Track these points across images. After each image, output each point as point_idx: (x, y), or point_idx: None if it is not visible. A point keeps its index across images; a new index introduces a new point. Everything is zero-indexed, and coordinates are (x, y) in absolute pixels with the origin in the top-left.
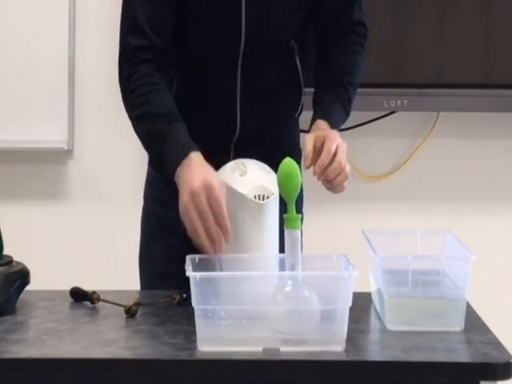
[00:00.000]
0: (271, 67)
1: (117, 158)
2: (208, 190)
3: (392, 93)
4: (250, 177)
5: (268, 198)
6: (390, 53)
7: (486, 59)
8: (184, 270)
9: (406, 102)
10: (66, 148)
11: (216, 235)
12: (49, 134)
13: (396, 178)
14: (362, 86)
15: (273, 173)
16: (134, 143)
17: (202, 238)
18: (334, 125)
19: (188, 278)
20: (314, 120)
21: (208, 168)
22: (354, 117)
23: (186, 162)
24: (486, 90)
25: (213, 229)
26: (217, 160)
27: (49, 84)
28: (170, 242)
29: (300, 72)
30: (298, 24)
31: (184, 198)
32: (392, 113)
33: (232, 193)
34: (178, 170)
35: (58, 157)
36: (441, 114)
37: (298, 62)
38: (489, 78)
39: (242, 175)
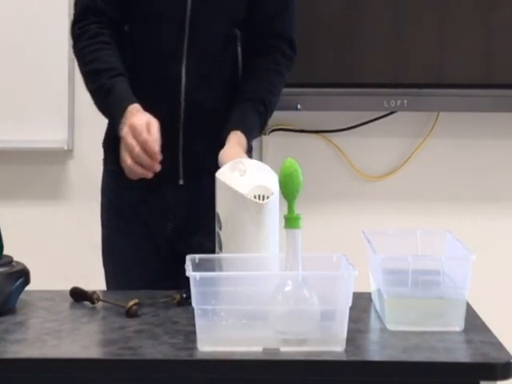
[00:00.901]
0: (214, 45)
1: None
2: (132, 128)
3: (392, 93)
4: (249, 177)
5: (268, 197)
6: (390, 53)
7: (486, 59)
8: (147, 258)
9: (405, 102)
10: (65, 148)
11: (143, 159)
12: (49, 134)
13: (396, 178)
14: (362, 86)
15: (273, 173)
16: None
17: (130, 165)
18: (249, 136)
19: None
20: (228, 130)
21: (137, 113)
22: (354, 117)
23: (124, 118)
24: (486, 90)
25: (140, 157)
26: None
27: (49, 84)
28: (128, 231)
29: (239, 59)
30: (240, 16)
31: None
32: (392, 113)
33: (232, 193)
34: (121, 126)
35: (58, 157)
36: (441, 114)
37: (239, 49)
38: (489, 78)
39: (241, 175)
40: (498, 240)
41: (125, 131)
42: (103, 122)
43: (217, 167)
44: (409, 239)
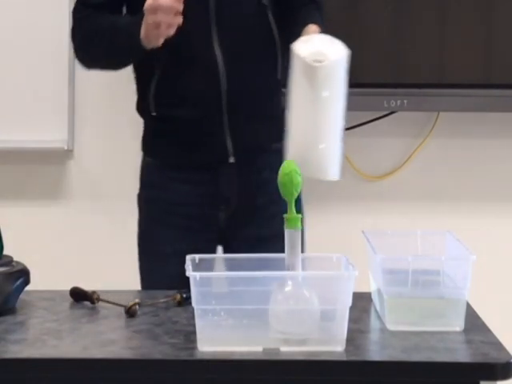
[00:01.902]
0: (243, 18)
1: (117, 158)
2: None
3: (392, 93)
4: (313, 45)
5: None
6: (390, 53)
7: (486, 59)
8: (184, 250)
9: (405, 101)
10: (65, 148)
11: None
12: (49, 134)
13: (396, 178)
14: (362, 86)
15: (340, 44)
16: (134, 143)
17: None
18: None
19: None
20: (296, 31)
21: None
22: (354, 117)
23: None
24: (486, 90)
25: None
26: (209, 128)
27: (49, 84)
28: (171, 223)
29: (274, 28)
30: None
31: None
32: (392, 113)
33: (296, 58)
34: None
35: (58, 157)
36: (441, 114)
37: (270, 19)
38: (489, 78)
39: (308, 44)
40: (497, 240)
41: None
42: (103, 122)
43: (266, 143)
44: (409, 239)
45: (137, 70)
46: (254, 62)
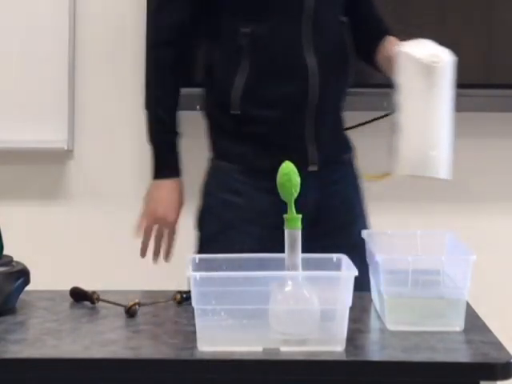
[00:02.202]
0: (332, 32)
1: (117, 158)
2: (163, 220)
3: (392, 93)
4: (425, 48)
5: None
6: None
7: (486, 59)
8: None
9: None
10: (65, 148)
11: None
12: (49, 134)
13: (396, 178)
14: (362, 86)
15: (445, 49)
16: (134, 143)
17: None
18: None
19: None
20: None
21: (172, 199)
22: (354, 117)
23: (161, 182)
24: (486, 90)
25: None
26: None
27: (49, 84)
28: (247, 230)
29: (348, 45)
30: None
31: (147, 216)
32: (392, 113)
33: (410, 59)
34: (156, 181)
35: (58, 157)
36: None
37: (346, 37)
38: (489, 78)
39: (419, 48)
40: (498, 240)
41: (153, 207)
42: (103, 122)
43: (341, 153)
44: (409, 239)
45: (216, 65)
46: (339, 73)
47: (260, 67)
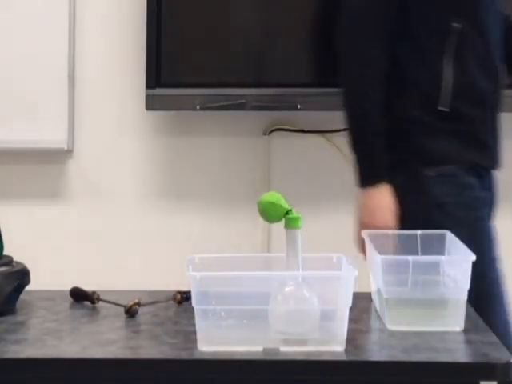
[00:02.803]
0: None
1: (117, 158)
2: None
3: None
4: None
5: None
6: None
7: None
8: None
9: None
10: (65, 148)
11: None
12: (49, 134)
13: None
14: None
15: None
16: (134, 143)
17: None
18: None
19: None
20: None
21: (388, 209)
22: None
23: (375, 191)
24: None
25: None
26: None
27: (49, 84)
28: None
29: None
30: None
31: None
32: None
33: None
34: (368, 189)
35: (58, 157)
36: None
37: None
38: None
39: None
40: (498, 240)
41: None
42: (103, 122)
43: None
44: (409, 240)
45: (413, 63)
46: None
47: (469, 65)
